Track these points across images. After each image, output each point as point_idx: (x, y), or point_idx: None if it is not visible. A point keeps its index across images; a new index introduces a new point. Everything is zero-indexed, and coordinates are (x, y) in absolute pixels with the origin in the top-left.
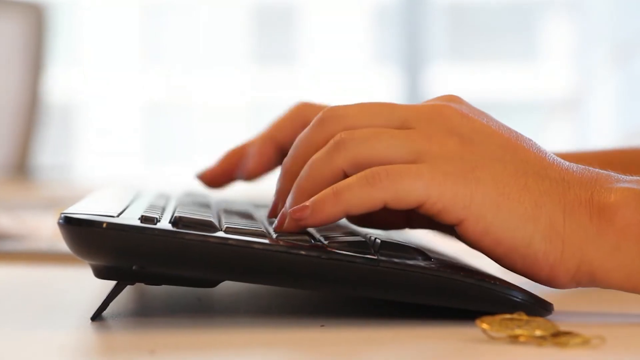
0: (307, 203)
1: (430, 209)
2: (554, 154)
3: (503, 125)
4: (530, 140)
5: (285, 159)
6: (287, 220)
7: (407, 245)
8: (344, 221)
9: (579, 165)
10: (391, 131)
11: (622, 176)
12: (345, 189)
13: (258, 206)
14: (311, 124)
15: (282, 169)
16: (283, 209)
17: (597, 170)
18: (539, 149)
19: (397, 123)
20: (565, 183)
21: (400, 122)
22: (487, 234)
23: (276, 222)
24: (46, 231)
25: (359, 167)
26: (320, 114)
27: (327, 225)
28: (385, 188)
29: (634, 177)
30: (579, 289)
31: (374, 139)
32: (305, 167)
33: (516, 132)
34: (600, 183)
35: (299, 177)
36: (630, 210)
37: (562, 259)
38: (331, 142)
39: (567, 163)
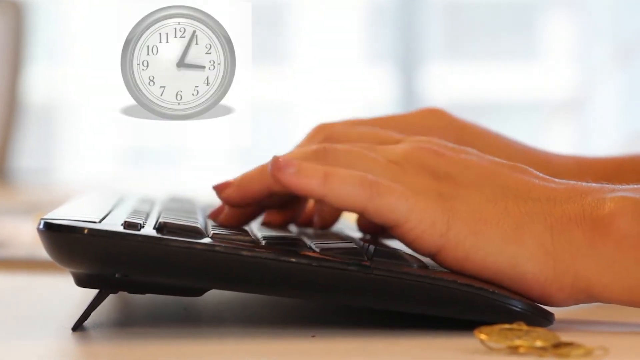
0: (293, 165)
1: (406, 233)
2: (564, 156)
3: (484, 157)
4: (515, 165)
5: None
6: (267, 169)
7: (402, 252)
8: (337, 227)
9: (568, 182)
10: (373, 155)
11: (618, 186)
12: (337, 177)
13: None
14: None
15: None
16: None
17: (589, 184)
18: (524, 173)
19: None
20: (551, 201)
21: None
22: (467, 260)
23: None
24: (25, 237)
25: None
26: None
27: (322, 232)
28: (372, 197)
29: (631, 186)
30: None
31: (356, 157)
32: (282, 156)
33: (499, 161)
34: (592, 195)
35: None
36: (626, 220)
37: (555, 277)
38: (313, 148)
39: (556, 181)
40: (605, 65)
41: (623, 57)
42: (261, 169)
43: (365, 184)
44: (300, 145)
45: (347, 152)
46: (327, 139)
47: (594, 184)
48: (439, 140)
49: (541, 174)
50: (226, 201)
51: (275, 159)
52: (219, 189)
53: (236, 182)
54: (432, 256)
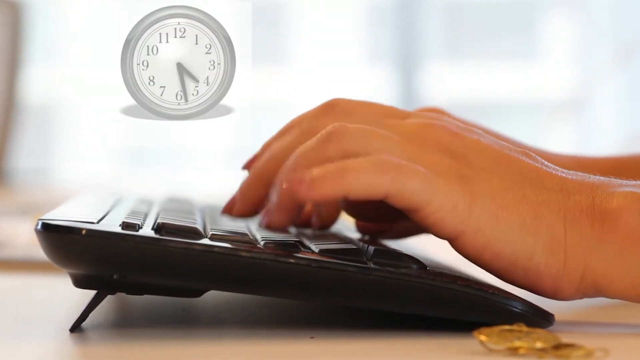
0: (305, 176)
1: (427, 217)
2: (564, 155)
3: (493, 139)
4: (525, 151)
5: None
6: (278, 194)
7: (401, 253)
8: (336, 228)
9: (578, 173)
10: (387, 133)
11: (625, 181)
12: (353, 169)
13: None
14: (287, 124)
15: (252, 172)
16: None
17: (597, 177)
18: (534, 160)
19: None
20: (565, 191)
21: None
22: (486, 249)
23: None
24: (23, 238)
25: None
26: (324, 104)
27: (321, 232)
28: (394, 180)
29: (637, 182)
30: (582, 299)
31: (370, 136)
32: (293, 156)
33: (509, 145)
34: (601, 188)
35: (284, 165)
36: (633, 216)
37: (565, 270)
38: (323, 132)
39: (565, 171)
40: (606, 65)
41: (623, 57)
42: (258, 174)
43: (384, 167)
44: (307, 117)
45: (359, 131)
46: (335, 112)
47: (602, 177)
48: (448, 118)
49: (548, 163)
50: (239, 216)
51: (287, 177)
52: (228, 210)
53: (239, 196)
54: (450, 241)
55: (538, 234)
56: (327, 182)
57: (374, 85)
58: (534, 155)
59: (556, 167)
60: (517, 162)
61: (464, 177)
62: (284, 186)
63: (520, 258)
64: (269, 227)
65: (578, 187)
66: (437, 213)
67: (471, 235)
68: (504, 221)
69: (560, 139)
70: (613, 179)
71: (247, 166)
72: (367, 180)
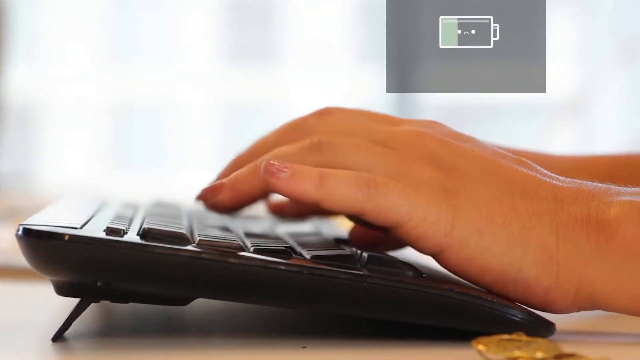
0: (287, 168)
1: (408, 232)
2: (563, 157)
3: (487, 147)
4: (519, 159)
5: (240, 153)
6: (247, 173)
7: (396, 260)
8: (330, 233)
9: (575, 180)
10: (372, 145)
11: (623, 188)
12: (333, 178)
13: (234, 217)
14: (282, 126)
15: (233, 160)
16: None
17: (595, 184)
18: (529, 167)
19: (375, 140)
20: (558, 201)
21: (378, 141)
22: (471, 262)
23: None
24: (3, 244)
25: None
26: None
27: (313, 238)
28: (371, 196)
29: (636, 189)
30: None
31: (354, 149)
32: (271, 154)
33: (503, 153)
34: (598, 197)
35: (261, 157)
36: (632, 226)
37: (558, 282)
38: (307, 140)
39: (561, 179)
40: (609, 66)
41: (626, 57)
42: (254, 168)
43: (362, 183)
44: (279, 130)
45: (344, 144)
46: (320, 127)
47: (600, 185)
48: (440, 125)
49: (545, 170)
50: (219, 206)
51: (268, 163)
52: (211, 193)
53: (229, 185)
54: (434, 256)
55: (527, 246)
56: (307, 181)
57: (368, 85)
58: (529, 162)
59: (552, 174)
60: (509, 171)
61: (449, 190)
62: (264, 167)
63: (508, 271)
64: (212, 203)
65: (573, 196)
66: (419, 228)
67: (455, 249)
68: (488, 233)
69: (562, 139)
70: (612, 187)
71: None
72: (343, 191)
